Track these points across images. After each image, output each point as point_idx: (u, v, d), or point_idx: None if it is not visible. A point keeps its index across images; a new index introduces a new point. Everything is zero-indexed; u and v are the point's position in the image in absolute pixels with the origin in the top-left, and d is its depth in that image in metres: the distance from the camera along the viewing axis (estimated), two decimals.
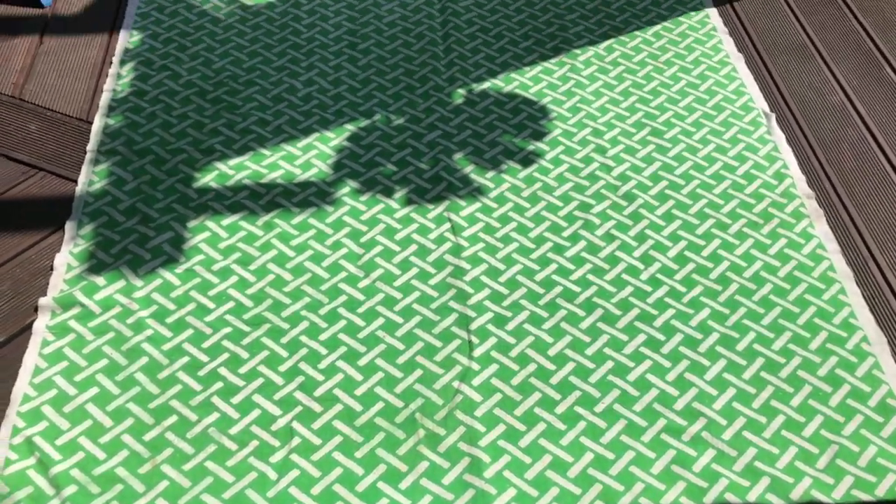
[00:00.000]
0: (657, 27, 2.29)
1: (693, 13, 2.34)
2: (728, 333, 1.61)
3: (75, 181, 1.81)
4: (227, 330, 1.58)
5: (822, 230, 1.80)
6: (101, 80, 2.04)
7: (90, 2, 2.25)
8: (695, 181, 1.90)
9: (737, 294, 1.68)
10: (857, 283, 1.70)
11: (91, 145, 1.88)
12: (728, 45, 2.25)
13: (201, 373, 1.52)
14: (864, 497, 1.41)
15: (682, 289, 1.69)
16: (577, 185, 1.88)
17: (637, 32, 2.27)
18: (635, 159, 1.94)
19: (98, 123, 1.93)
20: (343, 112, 2.02)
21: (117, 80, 2.04)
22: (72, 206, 1.76)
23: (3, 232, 1.70)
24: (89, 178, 1.82)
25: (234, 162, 1.88)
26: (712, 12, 2.35)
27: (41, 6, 2.21)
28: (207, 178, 1.84)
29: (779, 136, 2.00)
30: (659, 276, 1.71)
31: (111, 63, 2.08)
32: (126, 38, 2.15)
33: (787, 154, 1.96)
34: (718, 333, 1.61)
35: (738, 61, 2.19)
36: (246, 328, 1.59)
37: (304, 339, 1.58)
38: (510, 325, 1.61)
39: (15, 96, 1.98)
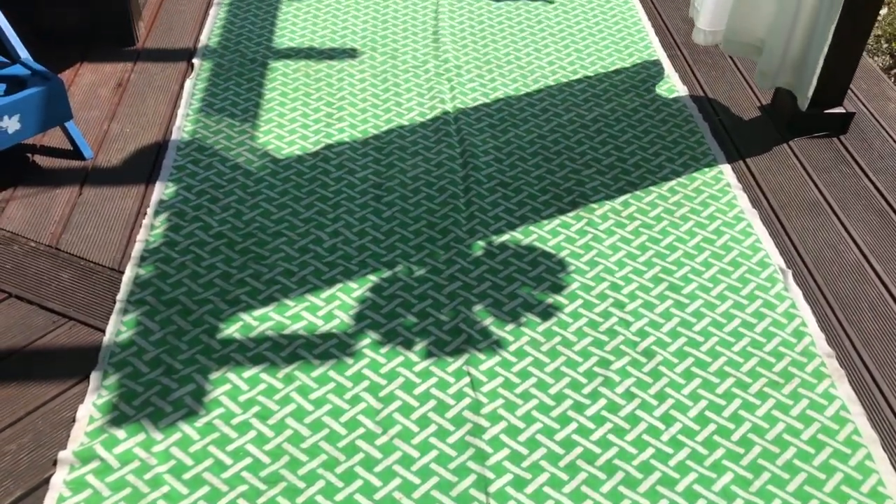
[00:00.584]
0: (672, 182, 2.36)
1: (707, 169, 2.42)
2: (753, 500, 1.57)
3: (103, 331, 1.85)
4: (244, 488, 1.57)
5: (844, 391, 1.78)
6: (135, 230, 2.12)
7: (129, 154, 2.37)
8: (714, 338, 1.90)
9: (760, 458, 1.65)
10: (883, 447, 1.67)
11: (121, 295, 1.93)
12: (742, 200, 2.30)
13: None
14: None
15: (704, 451, 1.66)
16: (596, 339, 1.89)
17: (653, 188, 2.34)
18: (654, 315, 1.96)
19: (129, 273, 1.99)
20: (366, 263, 2.07)
21: (150, 230, 2.12)
22: (98, 356, 1.79)
23: (28, 382, 1.73)
24: (117, 328, 1.86)
25: (258, 313, 1.92)
26: (726, 168, 2.43)
27: (84, 158, 2.33)
28: (231, 329, 1.88)
29: (796, 293, 2.01)
30: (680, 437, 1.69)
31: (146, 214, 2.17)
32: (161, 190, 2.25)
33: (806, 311, 1.97)
34: (742, 500, 1.57)
35: (754, 217, 2.24)
36: (262, 486, 1.57)
37: (319, 498, 1.56)
38: (529, 489, 1.59)
39: (52, 245, 2.06)
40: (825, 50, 2.35)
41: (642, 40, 3.03)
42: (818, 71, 2.39)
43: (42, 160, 2.32)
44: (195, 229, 2.14)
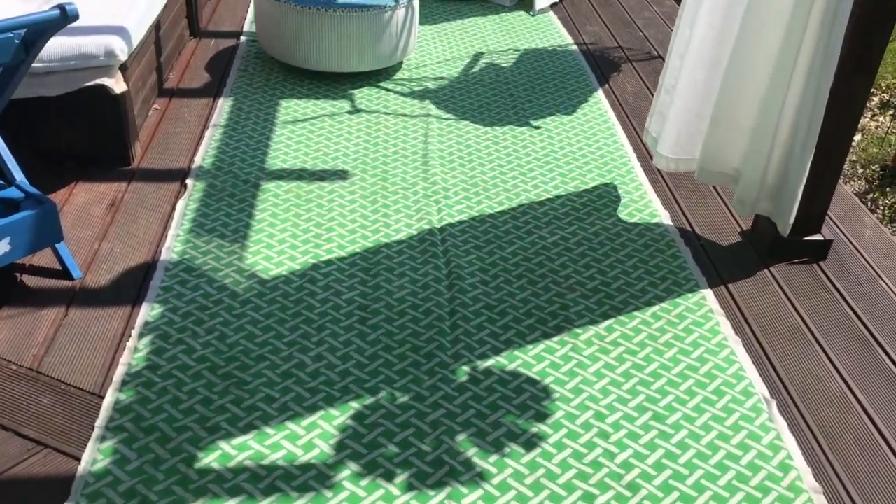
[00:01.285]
0: (655, 308, 2.38)
1: (690, 294, 2.45)
2: None
3: (79, 459, 1.81)
4: None
5: None
6: (118, 353, 2.12)
7: (118, 274, 2.39)
8: (699, 471, 1.88)
9: None
10: None
11: (99, 421, 1.91)
12: (725, 327, 2.32)
13: None
14: None
15: None
16: (580, 472, 1.87)
17: (636, 313, 2.36)
18: (639, 445, 1.94)
19: (110, 398, 1.97)
20: (349, 388, 2.06)
21: (134, 353, 2.12)
22: (71, 487, 1.75)
23: None
24: (93, 457, 1.82)
25: (237, 441, 1.90)
26: (708, 294, 2.46)
27: (72, 278, 2.35)
28: (210, 459, 1.85)
29: (781, 425, 2.00)
30: None
31: (130, 336, 2.17)
32: (147, 311, 2.26)
33: (791, 443, 1.95)
34: None
35: (737, 344, 2.26)
36: None
37: None
38: None
39: (33, 368, 2.05)
40: (803, 180, 2.42)
41: (624, 165, 3.12)
42: (798, 200, 2.46)
43: (30, 280, 2.34)
44: (179, 352, 2.13)
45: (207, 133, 3.15)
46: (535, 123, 3.39)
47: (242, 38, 3.99)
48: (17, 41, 1.87)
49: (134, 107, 2.92)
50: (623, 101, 3.63)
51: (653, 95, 3.69)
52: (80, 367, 2.07)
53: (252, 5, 4.35)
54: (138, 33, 2.89)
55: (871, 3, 2.24)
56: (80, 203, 2.69)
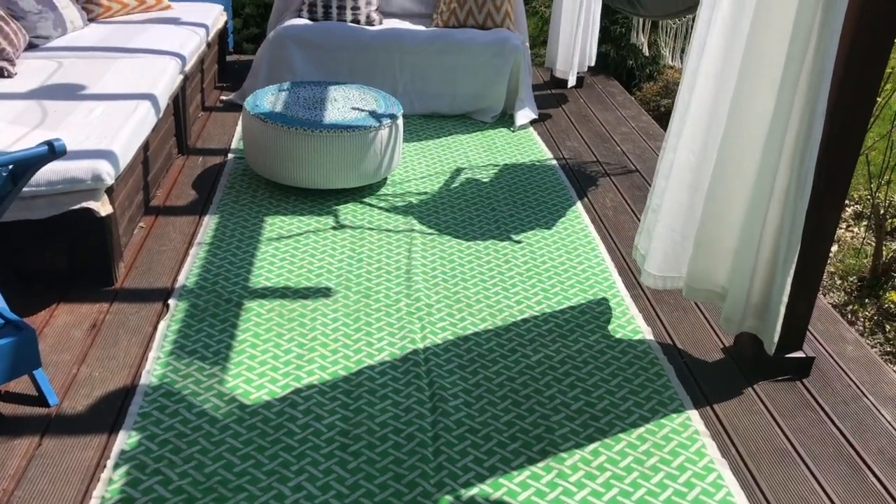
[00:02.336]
0: (641, 430, 2.36)
1: (675, 415, 2.43)
2: None
3: None
4: None
5: None
6: (92, 484, 2.06)
7: (95, 400, 2.35)
8: None
9: None
10: None
11: None
12: (711, 449, 2.30)
13: None
14: None
15: None
16: None
17: (622, 435, 2.33)
18: None
19: None
20: None
21: (108, 485, 2.06)
22: None
23: None
24: None
25: None
26: (693, 414, 2.44)
27: (48, 405, 2.30)
28: None
29: None
30: None
31: (105, 466, 2.11)
32: (124, 439, 2.21)
33: None
34: None
35: (724, 468, 2.23)
36: None
37: None
38: None
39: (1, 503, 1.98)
40: (785, 299, 2.45)
41: (606, 280, 3.15)
42: (781, 317, 2.48)
43: (4, 407, 2.29)
44: (154, 483, 2.07)
45: (192, 251, 3.17)
46: (516, 238, 3.44)
47: (230, 156, 4.07)
48: (3, 174, 1.90)
49: (119, 227, 2.95)
50: (603, 215, 3.71)
51: (631, 209, 3.77)
52: (51, 501, 2.00)
53: (240, 123, 4.47)
54: (126, 156, 2.94)
55: (839, 128, 2.34)
56: (61, 325, 2.67)
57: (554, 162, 4.27)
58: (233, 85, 5.07)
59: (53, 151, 1.82)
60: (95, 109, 3.19)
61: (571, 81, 5.08)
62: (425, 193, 3.81)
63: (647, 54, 4.82)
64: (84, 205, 2.70)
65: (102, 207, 2.75)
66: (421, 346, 2.69)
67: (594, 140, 4.61)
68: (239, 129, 4.40)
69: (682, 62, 4.31)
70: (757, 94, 2.38)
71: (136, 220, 3.28)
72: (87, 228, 2.77)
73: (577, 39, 4.95)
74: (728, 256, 2.61)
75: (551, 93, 5.33)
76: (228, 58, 5.48)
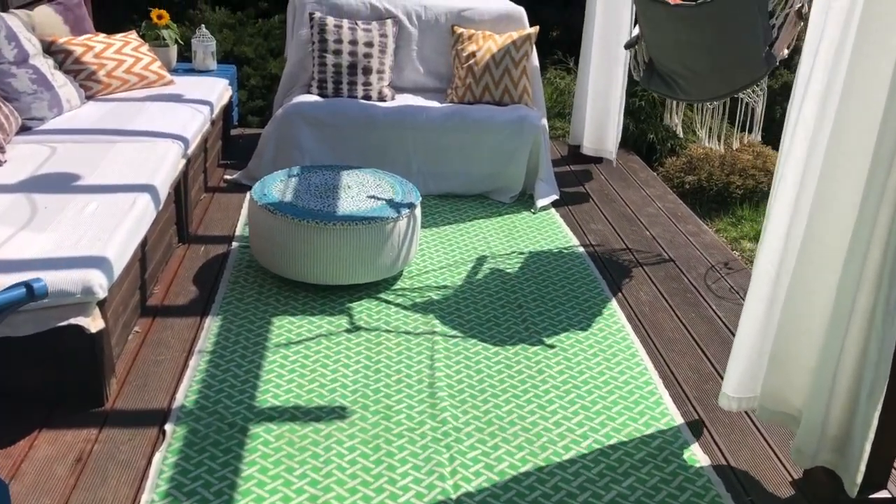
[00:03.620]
0: None
1: None
2: None
3: None
4: None
5: None
6: None
7: None
8: None
9: None
10: None
11: None
12: None
13: None
14: None
15: None
16: None
17: None
18: None
19: None
20: None
21: None
22: None
23: None
24: None
25: None
26: None
27: None
28: None
29: None
30: None
31: None
32: None
33: None
34: None
35: None
36: None
37: None
38: None
39: None
40: (871, 435, 2.14)
41: (651, 394, 2.84)
42: (866, 456, 2.17)
43: None
44: None
45: (192, 362, 2.86)
46: (548, 341, 3.14)
47: (234, 244, 3.79)
48: None
49: (111, 339, 2.65)
50: (639, 312, 3.41)
51: (669, 305, 3.48)
52: None
53: (245, 207, 4.20)
54: (122, 261, 2.66)
55: None
56: (42, 458, 2.35)
57: (581, 249, 4.00)
58: (237, 163, 4.81)
59: (32, 294, 1.54)
60: (90, 204, 2.91)
61: (611, 156, 4.86)
62: (445, 287, 3.52)
63: (680, 136, 4.59)
64: (72, 321, 2.40)
65: (93, 323, 2.45)
66: (450, 482, 2.36)
67: (620, 223, 4.35)
68: (244, 213, 4.13)
69: (719, 143, 4.07)
70: (838, 200, 2.12)
71: (130, 326, 2.98)
72: (76, 346, 2.47)
73: (609, 115, 4.75)
74: (805, 375, 2.32)
75: (570, 169, 5.08)
76: (233, 132, 5.24)
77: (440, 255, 3.85)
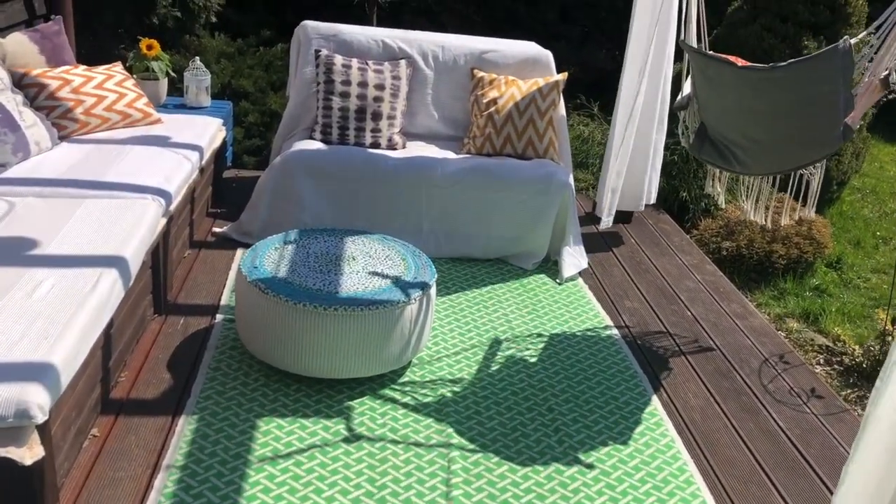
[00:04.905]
0: None
1: None
2: None
3: None
4: None
5: None
6: None
7: None
8: None
9: None
10: None
11: None
12: None
13: None
14: None
15: None
16: None
17: None
18: None
19: None
20: None
21: None
22: None
23: None
24: None
25: None
26: None
27: None
28: None
29: None
30: None
31: None
32: None
33: None
34: None
35: None
36: None
37: None
38: None
39: None
40: None
41: None
42: None
43: None
44: None
45: (156, 482, 2.34)
46: (586, 460, 2.63)
47: (219, 317, 3.29)
48: None
49: (56, 460, 2.14)
50: (689, 420, 2.91)
51: (722, 410, 2.98)
52: None
53: (233, 273, 3.70)
54: (73, 365, 2.15)
55: None
56: None
57: (615, 331, 3.50)
58: (228, 212, 4.31)
59: None
60: (43, 283, 2.41)
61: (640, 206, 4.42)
62: (461, 380, 3.02)
63: (722, 206, 4.11)
64: (2, 453, 1.89)
65: (28, 453, 1.94)
66: None
67: (657, 298, 3.86)
68: (232, 276, 3.64)
69: (766, 218, 3.59)
70: None
71: (86, 431, 2.47)
72: (8, 480, 1.96)
73: (648, 172, 4.30)
74: None
75: (597, 230, 4.59)
76: (225, 173, 4.73)
77: (454, 335, 3.35)
